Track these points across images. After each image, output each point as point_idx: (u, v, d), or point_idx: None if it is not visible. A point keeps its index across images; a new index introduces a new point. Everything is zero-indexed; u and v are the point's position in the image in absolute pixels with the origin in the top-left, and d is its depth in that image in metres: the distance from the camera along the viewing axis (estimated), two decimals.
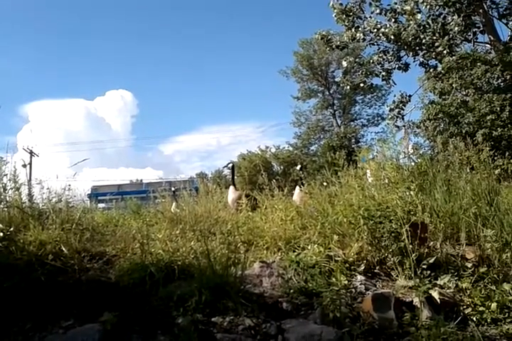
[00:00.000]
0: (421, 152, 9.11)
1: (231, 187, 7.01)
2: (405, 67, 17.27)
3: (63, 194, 5.10)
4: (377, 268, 3.79)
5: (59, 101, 79.15)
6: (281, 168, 37.49)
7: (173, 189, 8.46)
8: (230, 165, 7.83)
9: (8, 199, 4.46)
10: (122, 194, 15.90)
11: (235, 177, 7.51)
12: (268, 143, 43.79)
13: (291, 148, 39.53)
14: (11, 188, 4.44)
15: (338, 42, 17.66)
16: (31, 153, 30.85)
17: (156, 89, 74.41)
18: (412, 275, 3.40)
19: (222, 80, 72.55)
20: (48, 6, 72.50)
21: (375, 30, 16.35)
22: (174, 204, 6.93)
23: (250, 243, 4.27)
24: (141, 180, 32.06)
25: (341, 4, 16.83)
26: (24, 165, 5.00)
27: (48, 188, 5.12)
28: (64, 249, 3.65)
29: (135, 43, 73.30)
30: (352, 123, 38.50)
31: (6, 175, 4.58)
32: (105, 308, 2.85)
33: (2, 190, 4.45)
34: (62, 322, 2.77)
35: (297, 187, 6.54)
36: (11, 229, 3.67)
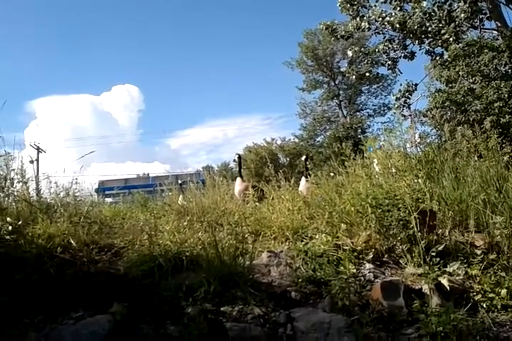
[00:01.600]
0: (428, 140, 9.03)
1: (238, 179, 7.00)
2: (411, 56, 17.05)
3: (71, 188, 5.14)
4: (386, 256, 3.78)
5: (65, 96, 79.26)
6: (287, 159, 37.47)
7: (179, 182, 8.46)
8: (237, 156, 7.81)
9: (16, 193, 4.49)
10: (129, 188, 15.94)
11: (242, 169, 7.48)
12: (274, 135, 43.75)
13: (296, 140, 39.42)
14: (19, 182, 4.46)
15: (343, 32, 17.45)
16: (38, 149, 31.02)
17: (161, 84, 74.58)
18: (421, 262, 3.37)
19: (227, 73, 72.37)
20: (55, 2, 72.33)
21: (380, 18, 16.14)
22: (181, 196, 6.94)
23: (258, 233, 4.28)
24: (148, 174, 32.12)
25: None
26: (31, 161, 5.02)
27: (55, 183, 5.16)
28: (72, 241, 3.68)
29: (140, 38, 73.17)
30: (358, 113, 38.24)
31: (14, 170, 4.61)
32: (114, 299, 2.86)
33: (10, 184, 4.48)
34: (73, 313, 2.79)
35: (303, 178, 6.51)
36: (20, 222, 3.70)
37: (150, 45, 74.13)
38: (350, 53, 17.94)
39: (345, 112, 37.89)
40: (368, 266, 3.58)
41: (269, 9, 66.00)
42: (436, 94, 15.17)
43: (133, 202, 8.45)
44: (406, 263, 3.56)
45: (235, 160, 8.03)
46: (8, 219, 3.70)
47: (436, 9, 15.69)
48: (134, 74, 77.59)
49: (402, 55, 17.08)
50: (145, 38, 72.81)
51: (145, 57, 73.95)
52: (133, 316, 2.70)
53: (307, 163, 7.59)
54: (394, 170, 5.05)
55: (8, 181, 4.40)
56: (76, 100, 73.14)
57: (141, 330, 2.63)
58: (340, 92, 38.18)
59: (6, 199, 4.28)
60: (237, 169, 7.88)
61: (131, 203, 8.37)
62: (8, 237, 3.41)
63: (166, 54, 72.84)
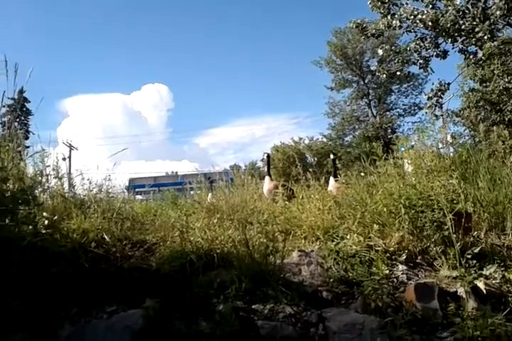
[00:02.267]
0: (460, 141, 8.83)
1: (266, 178, 6.99)
2: (444, 55, 16.67)
3: (103, 184, 5.24)
4: (419, 258, 3.71)
5: (97, 95, 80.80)
6: (315, 159, 37.24)
7: (208, 178, 8.50)
8: (266, 155, 7.80)
9: (51, 189, 4.59)
10: (158, 186, 16.14)
11: (271, 167, 7.46)
12: (302, 135, 43.41)
13: (325, 140, 39.15)
14: (55, 177, 4.56)
15: (374, 31, 17.18)
16: (70, 146, 31.71)
17: (190, 83, 75.24)
18: (457, 265, 3.29)
19: (256, 72, 72.41)
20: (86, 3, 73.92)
21: (412, 16, 15.83)
22: (210, 194, 6.97)
23: (288, 232, 4.25)
24: (177, 172, 32.44)
25: None
26: (64, 159, 5.13)
27: (88, 179, 5.27)
28: (106, 236, 3.74)
29: (170, 38, 73.94)
30: (388, 113, 37.68)
31: (49, 166, 4.72)
32: (147, 295, 2.90)
33: (46, 180, 4.58)
34: (106, 307, 2.84)
35: (331, 178, 6.46)
36: (55, 217, 3.78)
37: (180, 44, 74.86)
38: (380, 52, 17.68)
39: (374, 112, 37.41)
40: (400, 267, 3.53)
41: (297, 8, 65.69)
42: (470, 93, 14.83)
43: (163, 200, 8.55)
44: (440, 266, 3.49)
45: (263, 159, 8.02)
46: (44, 213, 3.78)
47: (470, 7, 15.31)
48: (164, 74, 78.54)
49: (434, 53, 16.72)
50: (175, 37, 73.51)
51: (175, 57, 74.71)
52: (165, 312, 2.73)
53: (336, 162, 7.52)
54: (427, 171, 4.95)
55: (45, 177, 4.50)
56: (107, 99, 74.48)
57: (173, 326, 2.65)
58: (370, 91, 37.70)
59: (42, 194, 4.37)
60: (265, 168, 7.84)
61: (161, 200, 8.47)
62: (44, 231, 3.48)
63: (196, 53, 73.48)
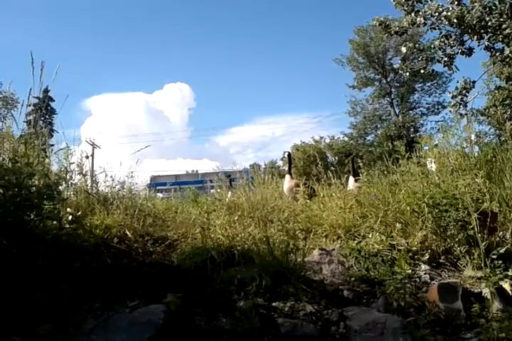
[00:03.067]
0: (486, 140, 8.65)
1: (287, 176, 6.96)
2: (469, 52, 16.32)
3: (126, 181, 5.31)
4: (443, 257, 3.65)
5: (120, 94, 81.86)
6: (336, 158, 36.96)
7: (228, 177, 8.52)
8: (286, 154, 7.77)
9: (75, 185, 4.67)
10: (179, 184, 16.25)
11: (291, 166, 7.44)
12: (322, 134, 43.07)
13: (346, 139, 38.82)
14: (79, 173, 4.64)
15: (397, 28, 16.93)
16: (93, 144, 32.16)
17: (212, 82, 75.60)
18: (482, 265, 3.23)
19: (277, 71, 72.23)
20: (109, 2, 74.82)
21: (437, 13, 15.54)
22: (230, 193, 6.99)
23: (308, 230, 4.22)
24: (197, 171, 32.68)
25: None
26: (87, 157, 5.21)
27: (111, 176, 5.34)
28: (128, 232, 3.79)
29: (192, 37, 74.36)
30: (411, 112, 37.10)
31: (73, 163, 4.80)
32: (168, 290, 2.91)
33: (69, 177, 4.66)
34: (128, 302, 2.86)
35: (351, 177, 6.41)
36: (79, 213, 3.83)
37: (202, 44, 75.23)
38: (404, 49, 17.40)
39: (397, 110, 36.88)
40: (423, 267, 3.48)
41: (320, 6, 65.29)
42: (496, 91, 14.50)
43: (184, 198, 8.61)
44: (464, 266, 3.43)
45: (284, 158, 7.98)
46: (68, 209, 3.84)
47: (497, 3, 14.97)
48: (186, 73, 79.06)
49: (459, 51, 16.40)
50: (197, 37, 73.93)
51: (197, 57, 75.20)
52: (186, 307, 2.74)
53: (354, 161, 7.44)
54: (451, 169, 4.86)
55: (69, 173, 4.57)
56: (130, 98, 75.34)
57: (194, 321, 2.66)
58: (393, 90, 37.20)
59: (66, 190, 4.45)
60: (286, 167, 7.83)
61: (182, 198, 8.53)
62: (68, 226, 3.53)
63: (217, 53, 73.71)
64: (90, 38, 76.53)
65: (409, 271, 3.30)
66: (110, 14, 74.19)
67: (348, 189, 5.81)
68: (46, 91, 5.09)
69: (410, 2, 16.16)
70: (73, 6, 74.25)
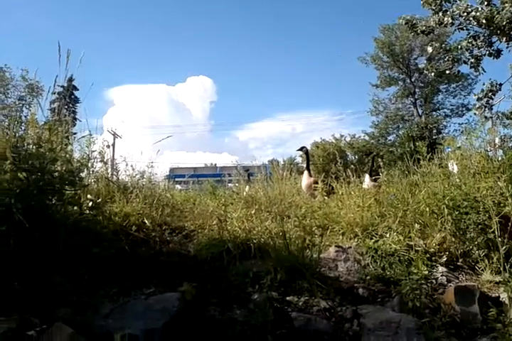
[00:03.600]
0: (510, 144, 8.47)
1: (305, 173, 6.94)
2: (497, 54, 15.98)
3: (146, 171, 5.36)
4: (461, 260, 3.61)
5: (143, 86, 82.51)
6: (356, 157, 36.67)
7: (246, 172, 8.54)
8: (304, 149, 7.73)
9: (96, 173, 4.73)
10: (198, 176, 16.34)
11: (310, 163, 7.41)
12: (343, 132, 42.56)
13: (367, 138, 38.43)
14: (101, 161, 4.70)
15: (424, 28, 16.67)
16: (114, 134, 32.51)
17: (234, 76, 75.64)
18: (501, 269, 3.18)
19: (300, 67, 71.90)
20: None
21: (465, 13, 15.24)
22: (247, 187, 7.00)
23: (325, 227, 4.22)
24: (215, 164, 32.81)
25: None
26: (108, 146, 5.27)
27: (131, 166, 5.40)
28: (146, 221, 3.83)
29: (216, 31, 74.44)
30: (434, 113, 36.49)
31: (95, 151, 4.86)
32: (184, 279, 2.94)
33: (90, 164, 4.72)
34: (144, 289, 2.91)
35: (366, 175, 6.37)
36: (99, 200, 3.89)
37: (225, 37, 75.23)
38: (430, 49, 17.14)
39: (420, 111, 36.32)
40: (440, 268, 3.44)
41: (345, 4, 64.64)
42: None
43: (202, 190, 8.65)
44: (483, 270, 3.39)
45: (301, 150, 7.91)
46: (89, 196, 3.90)
47: None
48: (209, 66, 79.27)
49: (487, 52, 16.09)
50: (221, 30, 73.93)
51: (220, 50, 75.21)
52: (201, 297, 2.77)
53: (374, 160, 7.38)
54: (473, 172, 4.78)
55: (91, 161, 4.63)
56: (153, 90, 75.83)
57: (208, 311, 2.69)
58: (416, 90, 36.63)
59: (88, 177, 4.51)
60: (304, 163, 7.80)
61: (200, 191, 8.57)
62: (88, 212, 3.59)
63: (240, 47, 73.64)
64: (116, 29, 77.04)
65: (426, 272, 3.27)
66: (138, 5, 74.58)
67: (364, 187, 5.78)
68: (71, 80, 5.15)
69: (438, 1, 15.89)
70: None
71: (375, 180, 6.08)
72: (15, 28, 62.19)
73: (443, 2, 15.89)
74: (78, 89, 18.14)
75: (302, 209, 4.77)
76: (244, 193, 6.24)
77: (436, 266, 3.48)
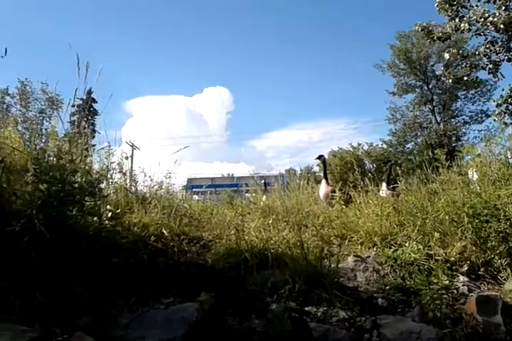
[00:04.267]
0: None
1: (323, 181, 6.91)
2: None
3: (164, 182, 5.41)
4: (482, 269, 3.55)
5: (161, 97, 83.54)
6: (374, 165, 36.36)
7: (262, 181, 8.55)
8: (322, 158, 7.70)
9: (115, 184, 4.80)
10: (215, 186, 16.41)
11: (327, 172, 7.37)
12: (361, 141, 42.45)
13: (385, 146, 38.12)
14: (120, 172, 4.77)
15: (440, 34, 16.56)
16: (132, 146, 32.90)
17: (251, 87, 76.13)
18: None
19: (316, 76, 71.98)
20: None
21: (482, 19, 15.12)
22: (264, 197, 7.00)
23: (343, 237, 4.19)
24: (232, 174, 32.91)
25: None
26: (126, 158, 5.34)
27: (149, 176, 5.46)
28: (165, 231, 3.86)
29: (232, 42, 75.18)
30: (453, 120, 36.04)
31: (114, 162, 4.94)
32: (202, 289, 2.96)
33: (109, 175, 4.80)
34: (163, 299, 2.93)
35: (384, 184, 6.32)
36: (118, 210, 3.94)
37: (242, 48, 75.94)
38: (447, 56, 17.01)
39: (438, 118, 35.92)
40: (461, 278, 3.39)
41: (361, 12, 64.75)
42: None
43: (219, 200, 8.68)
44: (505, 279, 3.32)
45: (319, 159, 7.88)
46: (108, 206, 3.95)
47: None
48: (226, 77, 79.94)
49: (506, 58, 15.89)
50: (237, 41, 74.67)
51: (236, 60, 75.95)
52: (219, 306, 2.78)
53: (392, 169, 7.32)
54: (493, 179, 4.71)
55: (110, 172, 4.71)
56: (170, 101, 76.73)
57: (226, 321, 2.69)
58: (434, 97, 36.28)
59: (107, 188, 4.57)
60: (322, 172, 7.76)
61: (217, 201, 8.61)
62: (107, 223, 3.64)
63: (257, 57, 74.18)
64: (136, 42, 78.43)
65: (447, 282, 3.22)
66: (156, 18, 75.88)
67: (381, 195, 5.73)
68: (90, 92, 5.25)
69: (455, 7, 15.81)
70: (119, 5, 76.29)
71: (393, 189, 6.03)
72: (39, 42, 63.90)
73: (459, 8, 15.80)
74: (97, 102, 18.49)
75: (320, 219, 4.76)
76: (262, 203, 6.25)
77: (457, 276, 3.43)
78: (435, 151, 5.76)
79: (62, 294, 2.69)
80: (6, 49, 4.36)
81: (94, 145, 5.31)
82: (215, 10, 74.63)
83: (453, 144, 30.74)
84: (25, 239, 2.72)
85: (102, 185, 4.34)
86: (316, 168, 31.99)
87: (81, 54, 4.13)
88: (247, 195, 8.70)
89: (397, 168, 8.76)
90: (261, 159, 67.25)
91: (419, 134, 36.25)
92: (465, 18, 15.66)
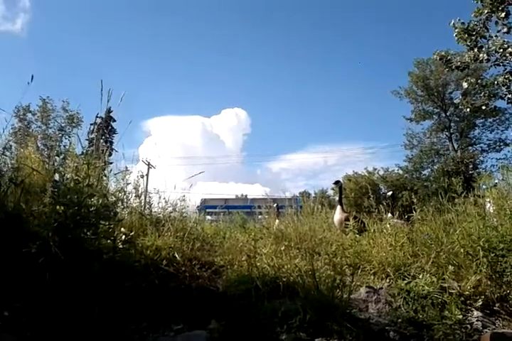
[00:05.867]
0: None
1: (338, 207, 6.87)
2: None
3: (178, 204, 5.46)
4: (497, 305, 3.47)
5: (180, 117, 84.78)
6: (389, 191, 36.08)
7: (274, 205, 8.53)
8: (339, 183, 7.67)
9: (130, 206, 4.85)
10: (229, 208, 16.44)
11: (343, 197, 7.32)
12: (377, 166, 42.15)
13: (401, 172, 37.88)
14: (135, 196, 4.82)
15: (459, 63, 16.63)
16: (148, 164, 33.22)
17: (269, 109, 76.84)
18: None
19: (334, 101, 72.41)
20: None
21: (501, 50, 15.18)
22: (277, 221, 6.98)
23: (356, 266, 4.16)
24: (246, 196, 32.92)
25: (463, 23, 15.93)
26: (142, 176, 5.41)
27: (164, 198, 5.51)
28: (177, 255, 3.88)
29: (252, 64, 76.35)
30: (470, 147, 35.76)
31: (130, 183, 5.01)
32: (212, 316, 2.96)
33: (125, 197, 4.85)
34: (173, 325, 2.93)
35: (389, 215, 6.25)
36: (132, 233, 3.98)
37: (260, 71, 77.05)
38: (465, 85, 17.01)
39: (456, 145, 35.69)
40: (476, 313, 3.31)
41: (379, 37, 65.50)
42: None
43: (232, 222, 8.69)
44: None
45: (335, 184, 7.85)
46: (122, 229, 4.00)
47: None
48: (244, 99, 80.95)
49: None
50: (257, 63, 75.79)
51: (255, 83, 76.99)
52: (229, 335, 2.76)
53: (394, 199, 7.24)
54: (510, 212, 4.65)
55: (126, 194, 4.77)
56: (189, 121, 77.71)
57: None
58: (452, 124, 36.15)
59: (122, 211, 4.63)
60: (336, 197, 7.72)
61: (230, 222, 8.62)
62: (121, 246, 3.67)
63: (276, 80, 75.06)
64: (157, 64, 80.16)
65: (460, 317, 3.16)
66: (174, 36, 77.68)
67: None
68: (109, 111, 5.37)
69: (474, 38, 15.89)
70: (137, 23, 78.33)
71: (403, 218, 5.96)
72: (66, 62, 65.74)
73: (478, 38, 15.89)
74: (115, 121, 18.81)
75: (333, 247, 4.73)
76: (274, 227, 6.24)
77: (471, 311, 3.35)
78: (452, 179, 5.70)
79: (73, 317, 2.71)
80: (32, 76, 4.51)
81: (111, 163, 5.40)
82: (237, 32, 76.22)
83: (470, 172, 30.37)
84: (40, 261, 2.76)
85: (118, 209, 4.41)
86: (330, 192, 31.90)
87: (103, 74, 4.24)
88: (260, 217, 8.69)
89: (412, 194, 8.67)
90: (276, 181, 67.19)
91: (435, 161, 36.00)
92: (484, 49, 15.73)
